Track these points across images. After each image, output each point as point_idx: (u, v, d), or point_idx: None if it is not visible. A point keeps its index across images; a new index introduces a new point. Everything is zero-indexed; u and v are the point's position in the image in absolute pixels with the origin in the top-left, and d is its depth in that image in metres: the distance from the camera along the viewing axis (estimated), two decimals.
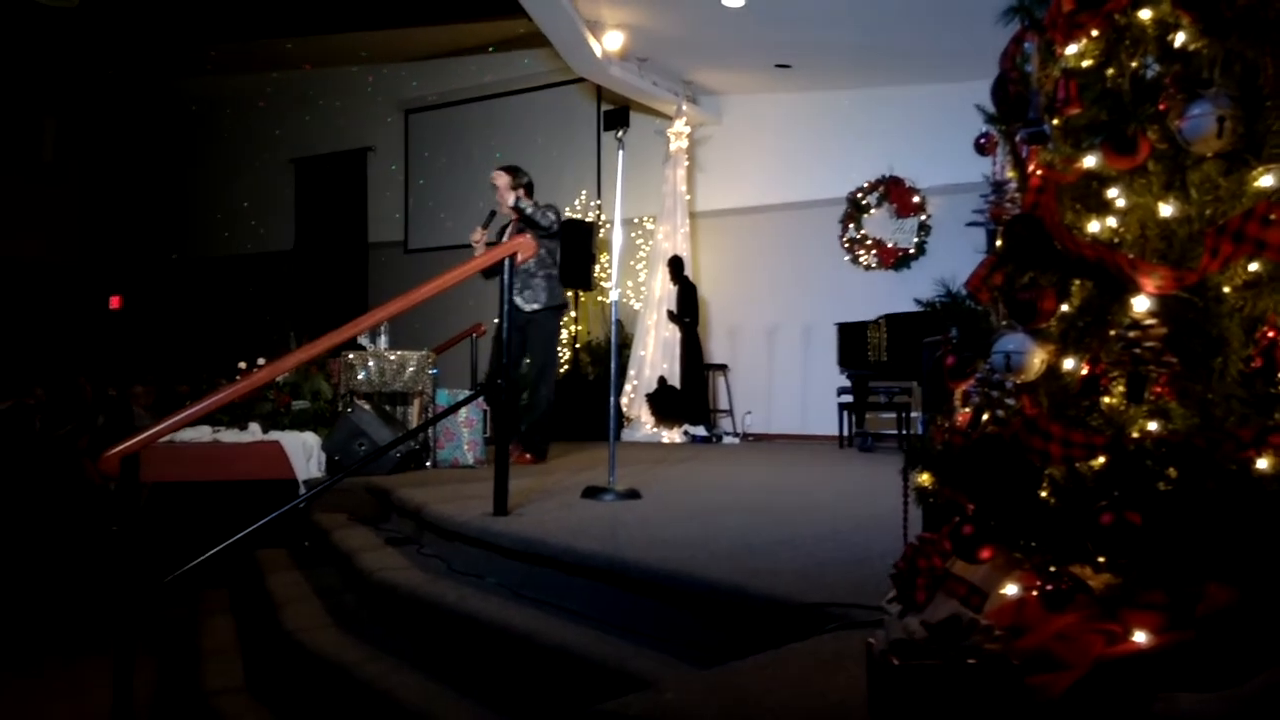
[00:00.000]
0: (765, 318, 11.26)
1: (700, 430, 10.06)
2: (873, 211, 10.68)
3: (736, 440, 10.28)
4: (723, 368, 11.22)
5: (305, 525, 5.59)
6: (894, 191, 10.52)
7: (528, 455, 6.59)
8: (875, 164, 10.60)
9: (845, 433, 9.31)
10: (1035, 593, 1.79)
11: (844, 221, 10.80)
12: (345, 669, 3.47)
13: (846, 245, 10.78)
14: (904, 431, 9.14)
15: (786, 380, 11.11)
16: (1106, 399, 1.76)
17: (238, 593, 5.43)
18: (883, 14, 8.64)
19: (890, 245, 10.52)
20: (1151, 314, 1.68)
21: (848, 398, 9.23)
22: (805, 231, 11.03)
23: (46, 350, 14.69)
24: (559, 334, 6.62)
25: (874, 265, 10.62)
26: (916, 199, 10.40)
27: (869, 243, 10.64)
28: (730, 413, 11.03)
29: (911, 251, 10.42)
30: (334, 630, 4.00)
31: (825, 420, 10.03)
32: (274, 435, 6.70)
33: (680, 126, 11.03)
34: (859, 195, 10.70)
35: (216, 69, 14.54)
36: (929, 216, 10.37)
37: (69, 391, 10.40)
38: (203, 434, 6.60)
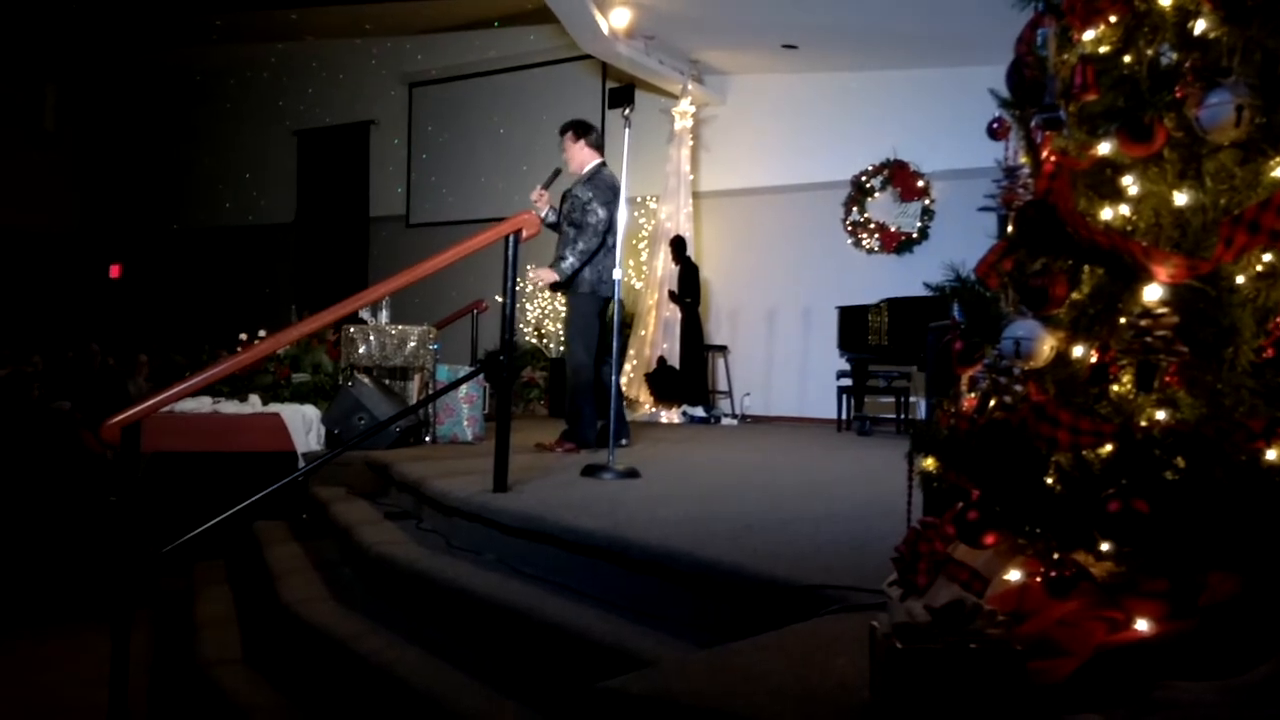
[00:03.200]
0: (766, 299, 11.24)
1: (699, 411, 10.06)
2: (876, 195, 10.64)
3: (735, 422, 10.28)
4: (722, 349, 11.21)
5: (304, 498, 5.59)
6: (898, 175, 10.49)
7: (557, 446, 6.03)
8: (880, 147, 10.55)
9: (843, 416, 9.31)
10: (1038, 579, 1.80)
11: (847, 204, 10.76)
12: (343, 642, 3.48)
13: (849, 228, 10.75)
14: (903, 416, 9.15)
15: (786, 362, 11.10)
16: (1115, 387, 1.76)
17: (235, 564, 5.44)
18: None
19: (893, 229, 10.49)
20: (1163, 303, 1.68)
21: (847, 381, 9.22)
22: (808, 214, 11.00)
23: (46, 318, 14.68)
24: (582, 326, 6.06)
25: (876, 249, 10.59)
26: (921, 183, 10.36)
27: (872, 226, 10.61)
28: (729, 394, 11.03)
29: (914, 236, 10.39)
30: (332, 603, 4.01)
31: (824, 403, 10.02)
32: (274, 407, 6.70)
33: (685, 106, 10.99)
34: (863, 178, 10.66)
35: (221, 38, 14.45)
36: (933, 201, 10.34)
37: (78, 358, 10.39)
38: (203, 405, 6.60)
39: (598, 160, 6.20)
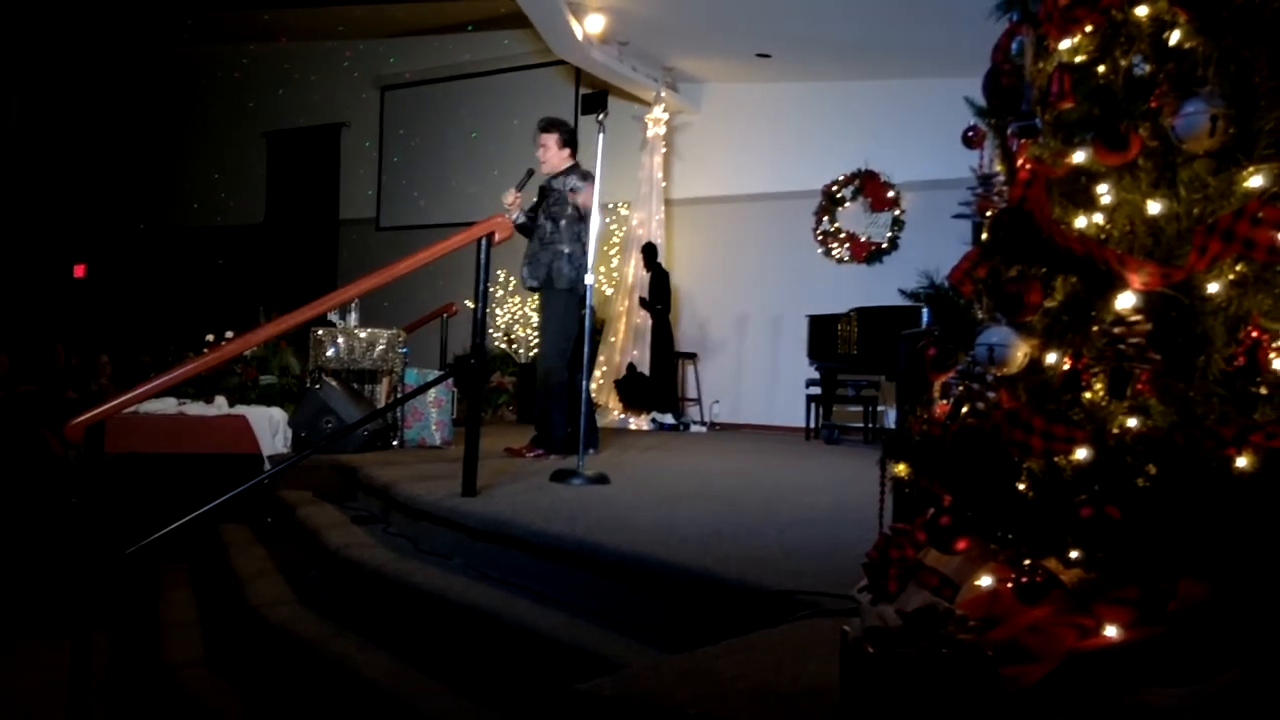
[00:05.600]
0: (736, 307, 11.26)
1: (668, 418, 10.06)
2: (847, 205, 10.69)
3: (704, 429, 10.30)
4: (692, 356, 11.22)
5: (270, 501, 5.54)
6: (869, 185, 10.54)
7: (527, 451, 5.99)
8: (851, 157, 10.61)
9: (812, 424, 9.34)
10: (1009, 585, 1.80)
11: (818, 214, 10.81)
12: (309, 645, 3.45)
13: (820, 238, 10.79)
14: (870, 425, 9.19)
15: (755, 371, 11.13)
16: (1088, 394, 1.77)
17: (198, 568, 5.38)
18: (864, 7, 8.65)
19: (863, 239, 10.55)
20: (1136, 310, 1.69)
21: (816, 390, 9.25)
22: (779, 223, 11.04)
23: (8, 318, 14.47)
24: (561, 325, 5.96)
25: (846, 259, 10.64)
26: (891, 194, 10.43)
27: (842, 236, 10.65)
28: (698, 401, 11.04)
29: (884, 246, 10.44)
30: (298, 607, 3.97)
31: (792, 412, 10.05)
32: (240, 409, 6.64)
33: (658, 113, 11.00)
34: (834, 188, 10.71)
35: (192, 38, 14.33)
36: (903, 211, 10.40)
37: (41, 357, 10.26)
38: (168, 406, 6.53)
39: (572, 161, 6.17)
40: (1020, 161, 1.95)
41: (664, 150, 11.25)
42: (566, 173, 6.07)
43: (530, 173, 6.03)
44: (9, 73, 15.76)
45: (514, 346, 11.44)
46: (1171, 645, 1.62)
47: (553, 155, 6.13)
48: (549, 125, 6.19)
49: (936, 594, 1.93)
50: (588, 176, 5.96)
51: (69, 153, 16.73)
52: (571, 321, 5.97)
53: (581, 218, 5.99)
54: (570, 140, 6.19)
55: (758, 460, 6.86)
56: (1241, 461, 1.58)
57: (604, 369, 10.59)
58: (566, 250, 5.93)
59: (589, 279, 5.16)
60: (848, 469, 6.19)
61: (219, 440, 6.36)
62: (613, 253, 11.63)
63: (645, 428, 9.87)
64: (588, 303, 5.18)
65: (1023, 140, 1.96)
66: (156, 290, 15.88)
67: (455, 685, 2.99)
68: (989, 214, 2.07)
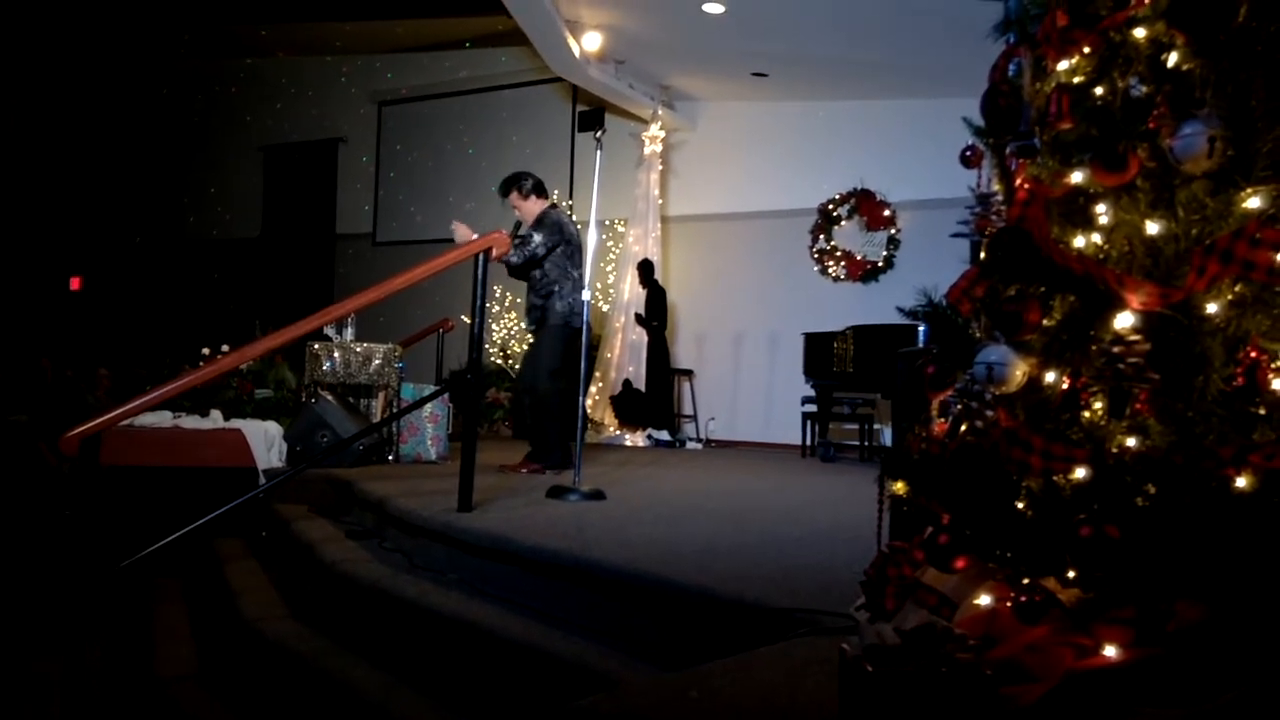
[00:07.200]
0: (732, 325, 11.28)
1: (664, 434, 10.06)
2: (843, 223, 10.73)
3: (699, 446, 10.29)
4: (688, 373, 11.22)
5: (265, 515, 5.52)
6: (865, 204, 10.57)
7: (522, 467, 6.07)
8: (847, 176, 10.65)
9: (808, 442, 9.33)
10: (1007, 604, 1.80)
11: (814, 232, 10.84)
12: (303, 660, 3.44)
13: (816, 256, 10.82)
14: (866, 443, 9.19)
15: (751, 388, 11.14)
16: (1086, 413, 1.77)
17: (192, 582, 5.36)
18: (861, 28, 8.69)
19: (859, 258, 10.57)
20: (1135, 330, 1.69)
21: (812, 407, 9.26)
22: (775, 240, 11.07)
23: (2, 331, 14.43)
24: (551, 354, 6.13)
25: (842, 277, 10.67)
26: (887, 213, 10.46)
27: (838, 254, 10.68)
28: (694, 418, 11.04)
29: (880, 265, 10.47)
30: (292, 621, 3.96)
31: (788, 429, 10.05)
32: (236, 423, 6.63)
33: (655, 130, 11.04)
34: (830, 207, 10.75)
35: (190, 53, 14.35)
36: (898, 230, 10.43)
37: (29, 372, 10.23)
38: (163, 419, 6.52)
39: (546, 204, 6.30)
40: (1018, 181, 1.95)
41: (660, 167, 11.29)
42: (536, 222, 6.17)
43: (519, 225, 6.26)
44: (5, 84, 15.76)
45: (510, 362, 11.44)
46: (1170, 666, 1.62)
47: (525, 209, 6.30)
48: (504, 189, 6.38)
49: (935, 612, 1.93)
50: (542, 224, 6.12)
51: (66, 165, 16.72)
52: (560, 354, 6.13)
53: (571, 249, 6.16)
54: (533, 188, 6.33)
55: (754, 477, 6.86)
56: (1240, 481, 1.58)
57: (600, 385, 10.60)
58: (557, 289, 6.11)
59: (585, 295, 5.18)
60: (844, 486, 6.19)
61: (214, 454, 6.35)
62: (609, 269, 11.65)
63: (641, 444, 9.86)
64: (585, 321, 5.19)
65: (1021, 160, 1.97)
66: (152, 303, 15.86)
67: (450, 701, 2.98)
68: (987, 233, 2.07)
